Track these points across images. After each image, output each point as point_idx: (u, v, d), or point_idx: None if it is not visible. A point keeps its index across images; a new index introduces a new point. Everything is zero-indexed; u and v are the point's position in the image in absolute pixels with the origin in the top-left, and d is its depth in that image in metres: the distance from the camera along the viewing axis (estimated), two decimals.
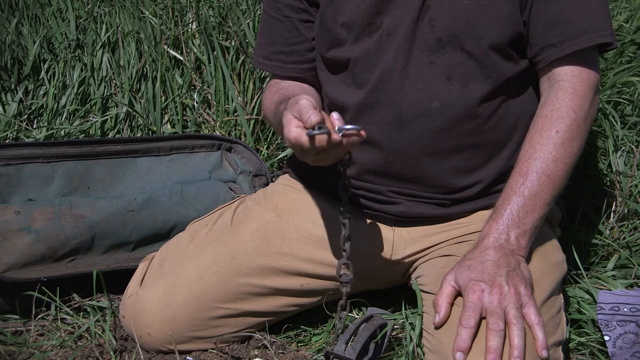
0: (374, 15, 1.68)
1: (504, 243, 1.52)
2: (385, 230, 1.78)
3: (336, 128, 1.40)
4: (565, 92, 1.60)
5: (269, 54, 1.86)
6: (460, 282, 1.49)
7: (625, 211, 2.09)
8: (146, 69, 2.56)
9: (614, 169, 2.16)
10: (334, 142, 1.39)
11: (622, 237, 2.03)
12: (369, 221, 1.79)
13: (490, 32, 1.62)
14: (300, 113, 1.42)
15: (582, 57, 1.61)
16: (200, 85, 2.56)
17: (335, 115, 1.43)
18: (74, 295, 1.91)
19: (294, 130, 1.41)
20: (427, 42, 1.64)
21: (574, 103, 1.59)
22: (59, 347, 1.78)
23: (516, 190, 1.56)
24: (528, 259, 1.59)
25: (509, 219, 1.54)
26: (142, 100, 2.52)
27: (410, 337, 1.64)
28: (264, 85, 1.93)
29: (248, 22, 2.60)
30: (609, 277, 1.94)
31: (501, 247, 1.52)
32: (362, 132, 1.42)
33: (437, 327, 1.49)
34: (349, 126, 1.40)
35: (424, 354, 1.59)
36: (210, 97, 2.55)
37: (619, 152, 2.20)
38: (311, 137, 1.38)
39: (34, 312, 1.83)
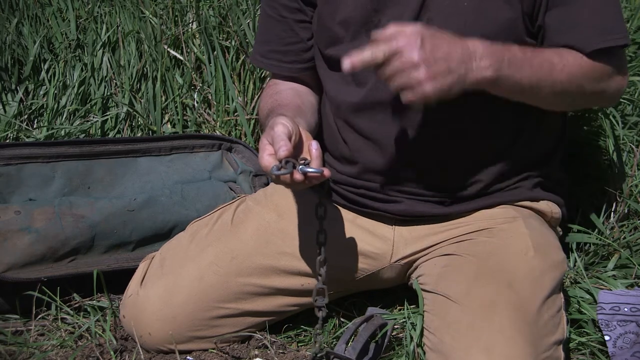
0: (372, 13, 1.68)
1: (477, 53, 1.46)
2: (386, 230, 1.78)
3: (299, 168, 1.45)
4: (581, 58, 1.60)
5: (266, 53, 1.87)
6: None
7: (626, 211, 2.09)
8: (146, 68, 2.57)
9: (614, 169, 2.16)
10: (296, 181, 1.45)
11: (622, 237, 2.03)
12: (369, 220, 1.79)
13: (486, 36, 1.61)
14: (273, 141, 1.47)
15: (601, 58, 1.61)
16: (201, 85, 2.56)
17: (313, 145, 1.48)
18: (74, 295, 1.91)
19: (266, 159, 1.47)
20: None
21: (584, 65, 1.59)
22: (59, 347, 1.78)
23: (525, 49, 1.53)
24: (527, 258, 1.59)
25: (499, 50, 1.49)
26: (142, 100, 2.52)
27: (411, 337, 1.64)
28: (264, 85, 1.94)
29: (248, 22, 2.60)
30: (609, 277, 1.94)
31: (473, 51, 1.46)
32: (326, 173, 1.47)
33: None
34: (310, 169, 1.46)
35: (424, 353, 1.59)
36: (210, 97, 2.55)
37: (620, 152, 2.19)
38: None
39: (34, 312, 1.83)
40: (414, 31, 1.41)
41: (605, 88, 1.64)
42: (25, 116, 2.44)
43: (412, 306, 1.80)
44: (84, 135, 2.42)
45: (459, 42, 1.45)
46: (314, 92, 1.87)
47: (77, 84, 2.50)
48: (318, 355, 1.58)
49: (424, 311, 1.65)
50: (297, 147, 1.52)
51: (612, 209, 2.10)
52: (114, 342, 1.76)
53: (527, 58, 1.53)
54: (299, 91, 1.84)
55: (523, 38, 1.63)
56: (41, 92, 2.51)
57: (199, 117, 2.53)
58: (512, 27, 1.62)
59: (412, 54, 1.40)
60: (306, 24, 1.81)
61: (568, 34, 1.60)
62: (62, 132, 2.39)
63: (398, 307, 1.90)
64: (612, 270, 1.96)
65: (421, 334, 1.62)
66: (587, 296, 1.87)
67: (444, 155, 1.70)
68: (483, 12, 1.61)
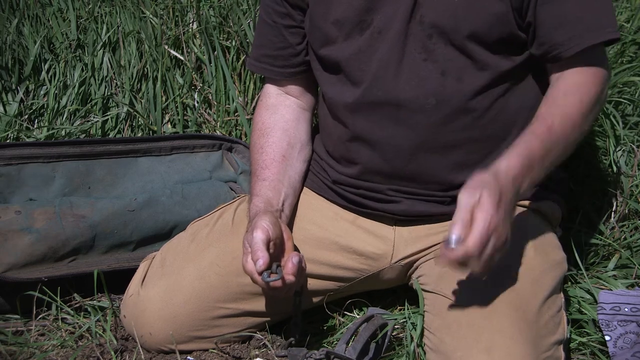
0: (365, 12, 1.68)
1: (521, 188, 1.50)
2: (386, 230, 1.78)
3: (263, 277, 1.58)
4: (576, 85, 1.60)
5: (259, 57, 1.88)
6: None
7: (626, 211, 2.09)
8: (147, 68, 2.57)
9: (614, 169, 2.16)
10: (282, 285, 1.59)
11: (622, 237, 2.03)
12: (369, 221, 1.79)
13: (477, 29, 1.61)
14: (252, 252, 1.59)
15: (591, 54, 1.61)
16: (201, 85, 2.56)
17: (293, 259, 1.60)
18: (75, 295, 1.91)
19: (250, 264, 1.59)
20: (419, 39, 1.65)
21: (582, 94, 1.59)
22: (59, 347, 1.78)
23: (541, 137, 1.53)
24: (527, 257, 1.60)
25: (528, 159, 1.50)
26: (142, 100, 2.52)
27: (411, 337, 1.64)
28: (264, 86, 1.94)
29: (249, 22, 2.60)
30: (609, 277, 1.94)
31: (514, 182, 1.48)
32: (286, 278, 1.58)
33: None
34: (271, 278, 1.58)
35: (424, 353, 1.59)
36: (210, 97, 2.55)
37: (620, 152, 2.19)
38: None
39: (34, 312, 1.83)
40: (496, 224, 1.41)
41: (601, 100, 1.64)
42: (26, 116, 2.44)
43: (412, 306, 1.80)
44: (84, 135, 2.42)
45: (511, 197, 1.46)
46: (305, 114, 1.89)
47: (77, 84, 2.50)
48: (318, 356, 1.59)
49: (424, 311, 1.65)
50: (278, 250, 1.64)
51: (613, 209, 2.10)
52: (115, 342, 1.76)
53: (545, 148, 1.53)
54: (287, 130, 1.84)
55: (515, 32, 1.63)
56: (42, 92, 2.51)
57: (200, 117, 2.53)
58: (503, 20, 1.62)
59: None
60: (295, 29, 1.82)
61: (560, 31, 1.60)
62: (63, 132, 2.40)
63: (398, 307, 1.90)
64: (612, 270, 1.97)
65: (421, 334, 1.62)
66: (588, 296, 1.87)
67: (441, 152, 1.70)
68: (474, 7, 1.61)
